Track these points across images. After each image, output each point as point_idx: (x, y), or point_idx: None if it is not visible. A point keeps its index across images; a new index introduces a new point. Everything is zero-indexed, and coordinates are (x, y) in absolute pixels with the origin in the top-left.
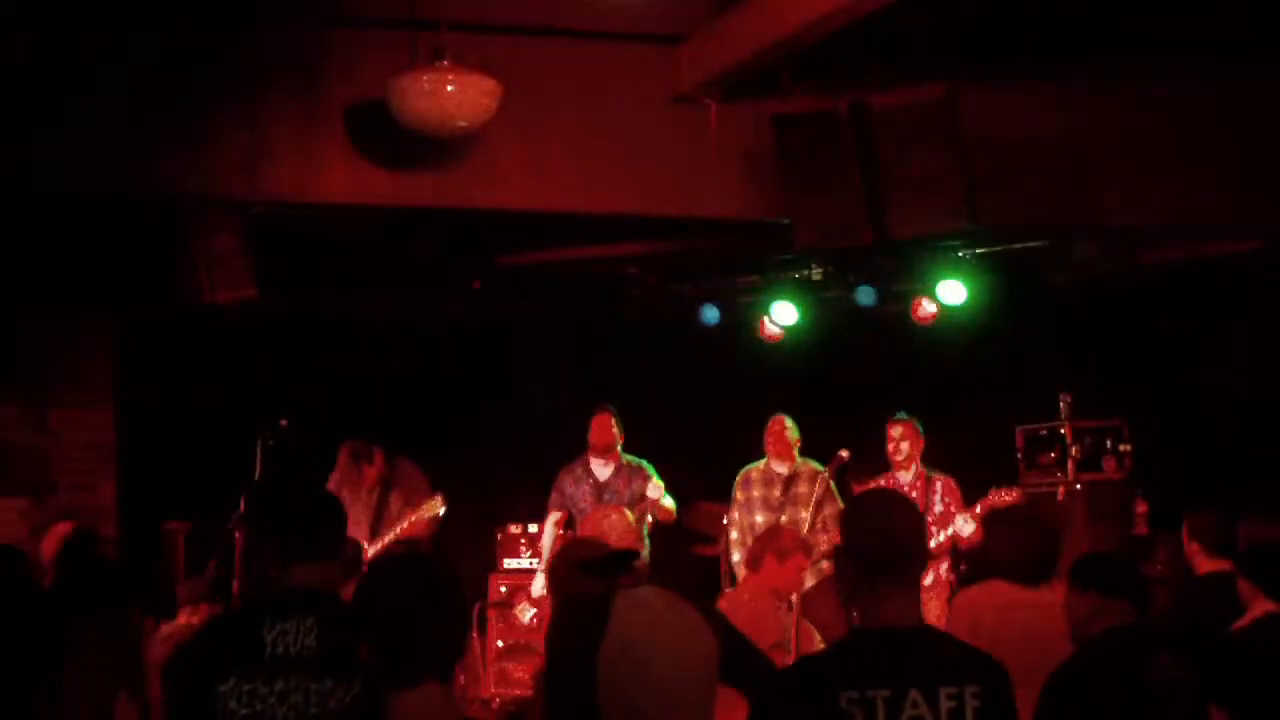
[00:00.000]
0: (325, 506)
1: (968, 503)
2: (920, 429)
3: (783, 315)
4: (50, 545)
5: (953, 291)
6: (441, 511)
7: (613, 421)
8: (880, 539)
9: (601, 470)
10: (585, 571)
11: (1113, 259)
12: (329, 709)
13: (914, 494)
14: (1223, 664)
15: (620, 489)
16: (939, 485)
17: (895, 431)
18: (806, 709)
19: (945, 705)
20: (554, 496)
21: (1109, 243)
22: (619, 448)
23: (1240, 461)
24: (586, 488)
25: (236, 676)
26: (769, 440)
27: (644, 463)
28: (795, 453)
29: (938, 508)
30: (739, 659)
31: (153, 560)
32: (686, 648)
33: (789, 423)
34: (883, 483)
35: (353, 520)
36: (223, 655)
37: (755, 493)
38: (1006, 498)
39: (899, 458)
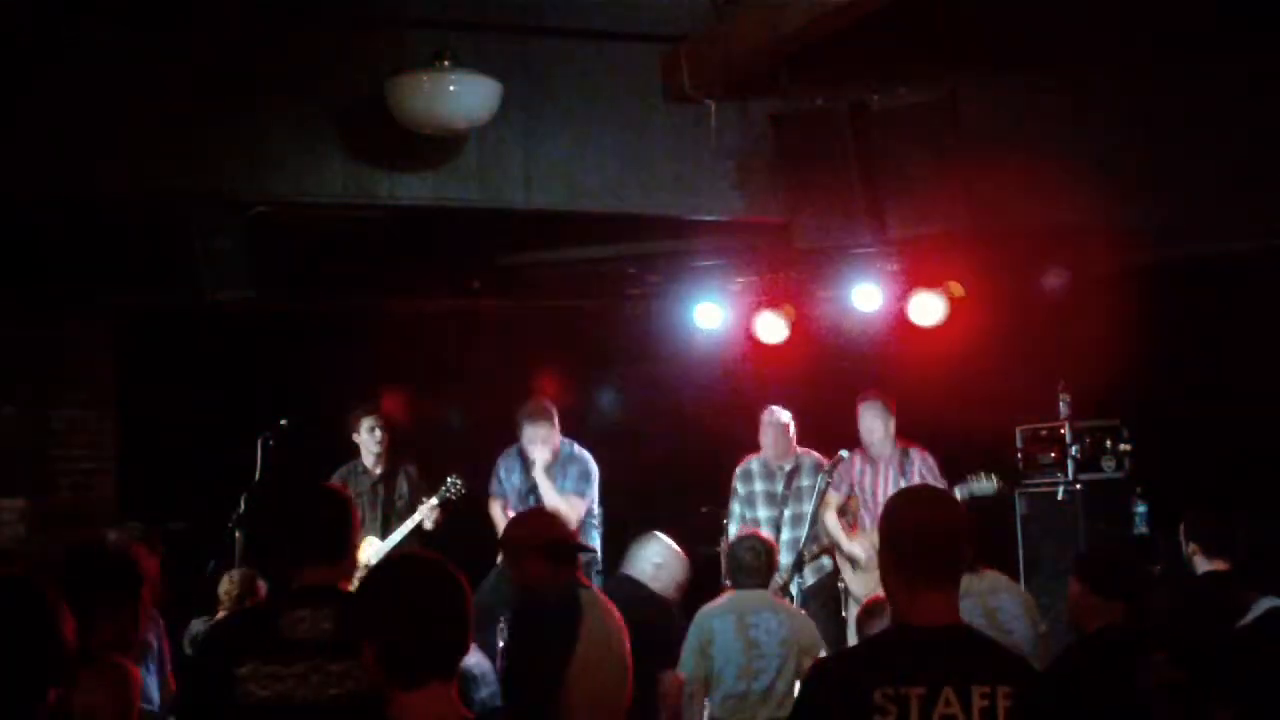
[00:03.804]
0: (333, 508)
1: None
2: (889, 407)
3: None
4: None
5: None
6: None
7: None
8: (920, 538)
9: (540, 456)
10: (548, 556)
11: (1114, 258)
12: (348, 689)
13: (891, 469)
14: (1227, 663)
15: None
16: (916, 458)
17: (867, 416)
18: (841, 703)
19: (978, 704)
20: (494, 483)
21: (1110, 242)
22: (555, 436)
23: (1240, 461)
24: (516, 478)
25: (254, 660)
26: (765, 434)
27: (584, 458)
28: (793, 444)
29: (915, 480)
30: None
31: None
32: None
33: (784, 416)
34: (858, 460)
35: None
36: (239, 641)
37: (757, 486)
38: (987, 485)
39: (874, 439)
